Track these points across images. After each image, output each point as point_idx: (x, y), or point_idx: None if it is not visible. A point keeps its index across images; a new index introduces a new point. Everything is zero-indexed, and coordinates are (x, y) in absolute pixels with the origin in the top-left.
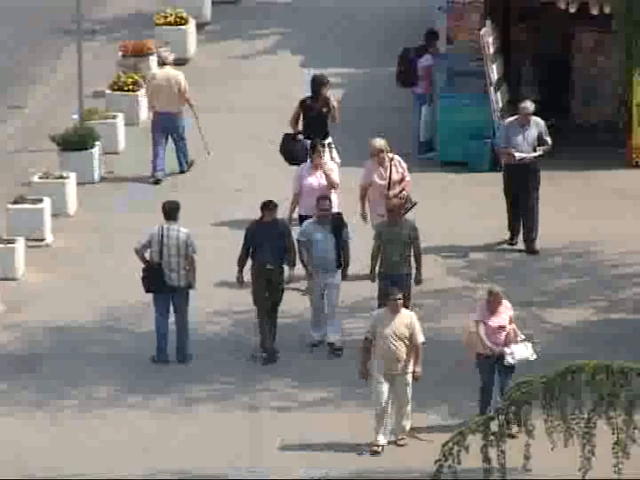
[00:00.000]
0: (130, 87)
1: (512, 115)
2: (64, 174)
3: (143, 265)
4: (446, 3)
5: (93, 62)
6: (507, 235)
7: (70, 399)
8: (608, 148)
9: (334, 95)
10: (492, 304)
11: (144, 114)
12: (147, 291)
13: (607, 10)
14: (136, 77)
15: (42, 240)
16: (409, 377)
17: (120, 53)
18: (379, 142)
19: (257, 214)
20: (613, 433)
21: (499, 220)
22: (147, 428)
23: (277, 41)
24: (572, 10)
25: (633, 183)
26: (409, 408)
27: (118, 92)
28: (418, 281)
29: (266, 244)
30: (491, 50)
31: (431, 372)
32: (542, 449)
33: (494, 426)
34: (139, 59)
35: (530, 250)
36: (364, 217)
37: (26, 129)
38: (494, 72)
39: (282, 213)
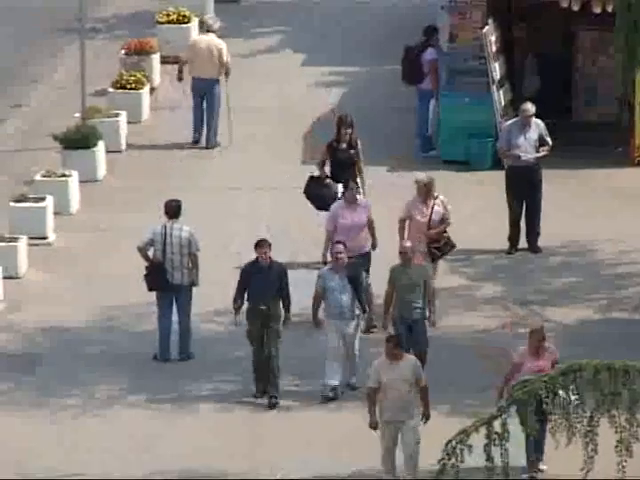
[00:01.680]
0: (133, 85)
1: (515, 113)
2: (66, 172)
3: (146, 263)
4: (448, 1)
5: (95, 60)
6: (507, 241)
7: (71, 398)
8: (608, 147)
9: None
10: (533, 346)
11: (146, 112)
12: (150, 290)
13: (609, 9)
14: (139, 75)
15: (44, 239)
16: (415, 422)
17: (123, 52)
18: (426, 178)
19: (257, 212)
20: (616, 432)
21: (500, 219)
22: (148, 427)
23: (278, 40)
24: (575, 8)
25: (634, 182)
26: (418, 456)
27: (121, 90)
28: (433, 323)
29: (261, 285)
30: (493, 49)
31: (432, 371)
32: (545, 448)
33: (497, 425)
34: (142, 58)
35: (533, 249)
36: (404, 251)
37: (28, 128)
38: (496, 71)
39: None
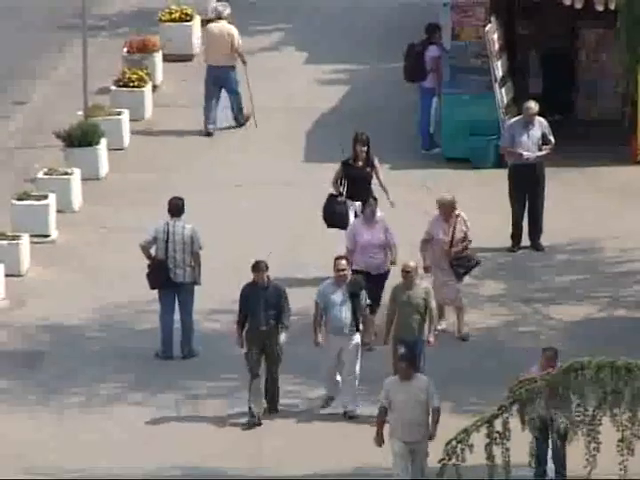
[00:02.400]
0: (135, 83)
1: (517, 111)
2: (69, 170)
3: (148, 261)
4: None
5: (97, 58)
6: (509, 239)
7: (74, 395)
8: (612, 144)
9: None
10: (545, 363)
11: (149, 110)
12: (152, 287)
13: (612, 6)
14: (141, 73)
15: (47, 236)
16: (426, 445)
17: (125, 49)
18: (449, 197)
19: (260, 210)
20: (618, 430)
21: (503, 216)
22: (150, 425)
23: (281, 37)
24: (578, 6)
25: (637, 179)
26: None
27: (123, 88)
28: (428, 341)
29: (260, 307)
30: (496, 46)
31: (433, 369)
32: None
33: (498, 424)
34: (144, 55)
35: (536, 247)
36: (427, 269)
37: (30, 125)
38: (499, 68)
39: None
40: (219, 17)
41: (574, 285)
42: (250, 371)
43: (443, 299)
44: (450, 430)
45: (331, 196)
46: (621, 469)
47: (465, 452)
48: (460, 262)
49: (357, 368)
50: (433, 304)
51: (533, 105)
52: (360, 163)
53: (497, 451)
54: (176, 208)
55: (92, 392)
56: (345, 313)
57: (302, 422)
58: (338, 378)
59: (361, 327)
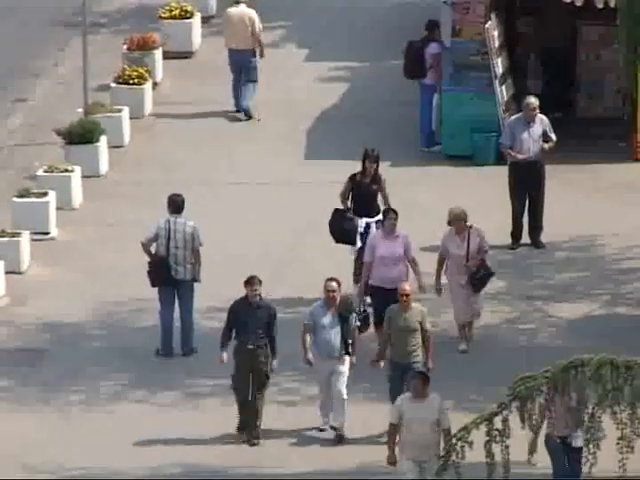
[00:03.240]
0: (135, 81)
1: (517, 108)
2: (69, 167)
3: (149, 259)
4: None
5: (97, 55)
6: (510, 236)
7: (74, 393)
8: (612, 142)
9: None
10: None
11: (149, 107)
12: (153, 285)
13: (612, 4)
14: (141, 71)
15: (47, 234)
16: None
17: (125, 47)
18: (458, 210)
19: (261, 207)
20: (617, 428)
21: (504, 214)
22: (151, 422)
23: (282, 35)
24: (578, 4)
25: (637, 177)
26: None
27: (123, 85)
28: (428, 368)
29: (250, 324)
30: (496, 43)
31: (435, 366)
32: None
33: (498, 421)
34: (144, 53)
35: (536, 244)
36: (438, 291)
37: (30, 122)
38: (499, 65)
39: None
40: (237, 1)
41: (574, 282)
42: (236, 393)
43: (470, 316)
44: (451, 428)
45: (337, 211)
46: (620, 466)
47: (465, 449)
48: (476, 273)
49: (344, 393)
50: (428, 326)
51: (533, 100)
52: (368, 180)
53: (497, 449)
54: (177, 205)
55: (93, 390)
56: (334, 336)
57: (305, 418)
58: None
59: (350, 349)
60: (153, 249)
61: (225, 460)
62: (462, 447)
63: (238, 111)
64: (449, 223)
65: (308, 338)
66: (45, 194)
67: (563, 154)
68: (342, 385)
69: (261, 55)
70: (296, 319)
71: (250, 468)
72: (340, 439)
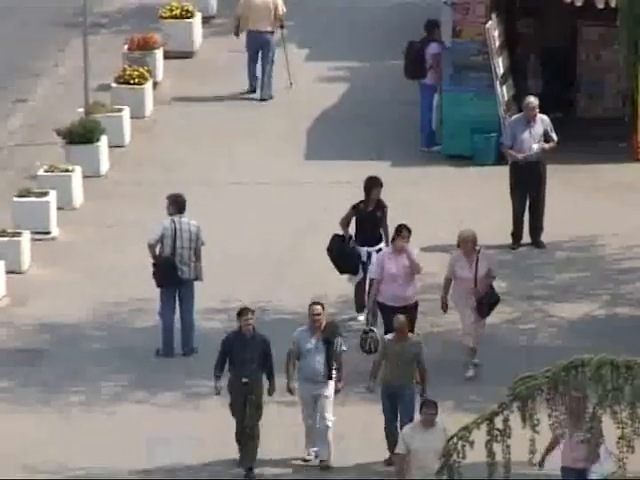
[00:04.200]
0: (136, 80)
1: (518, 109)
2: (70, 167)
3: (153, 260)
4: None
5: (98, 55)
6: (510, 236)
7: (74, 394)
8: (612, 142)
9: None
10: (575, 412)
11: (150, 107)
12: (159, 285)
13: (613, 4)
14: (142, 70)
15: (47, 233)
16: None
17: (126, 47)
18: (469, 232)
19: (262, 207)
20: (618, 427)
21: (504, 214)
22: (152, 423)
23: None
24: (578, 4)
25: (637, 177)
26: None
27: (124, 85)
28: (424, 397)
29: (244, 358)
30: (497, 43)
31: (435, 366)
32: (547, 444)
33: (499, 421)
34: (145, 53)
35: (537, 244)
36: (444, 308)
37: (31, 122)
38: (500, 65)
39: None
40: None
41: (575, 282)
42: (236, 419)
43: (474, 342)
44: (451, 427)
45: (337, 237)
46: (621, 466)
47: (465, 449)
48: (483, 298)
49: (330, 416)
50: (423, 357)
51: (533, 99)
52: (371, 207)
53: (497, 448)
54: (181, 205)
55: (93, 390)
56: (320, 361)
57: (302, 421)
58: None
59: (336, 375)
60: (157, 249)
61: (225, 460)
62: (463, 447)
63: (252, 91)
64: (458, 245)
65: (291, 366)
66: (46, 194)
67: (563, 154)
68: (326, 411)
69: (281, 27)
70: (295, 319)
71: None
72: (326, 468)
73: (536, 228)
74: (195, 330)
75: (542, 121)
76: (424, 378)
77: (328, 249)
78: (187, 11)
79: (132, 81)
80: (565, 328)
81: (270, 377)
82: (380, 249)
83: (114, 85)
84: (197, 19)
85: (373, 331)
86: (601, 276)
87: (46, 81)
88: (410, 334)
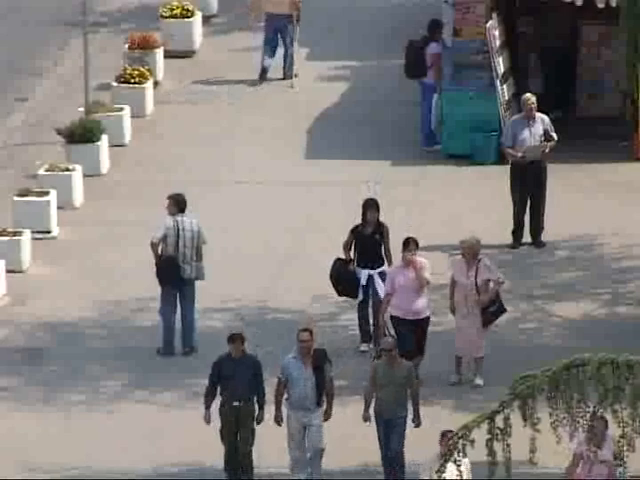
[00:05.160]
0: (136, 80)
1: (518, 108)
2: (70, 166)
3: (155, 259)
4: None
5: (98, 55)
6: (510, 235)
7: (76, 393)
8: (612, 141)
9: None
10: (596, 434)
11: (150, 107)
12: (163, 284)
13: (613, 3)
14: (142, 70)
15: (48, 233)
16: None
17: (126, 46)
18: (473, 240)
19: (261, 206)
20: (618, 426)
21: (504, 213)
22: (153, 422)
23: None
24: (578, 3)
25: (637, 176)
26: None
27: (124, 85)
28: (417, 424)
29: (235, 380)
30: (497, 43)
31: (436, 366)
32: (548, 442)
33: (499, 420)
34: (145, 52)
35: (537, 244)
36: (453, 311)
37: (31, 122)
38: (500, 65)
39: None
40: None
41: (575, 282)
42: (225, 445)
43: (469, 353)
44: (451, 426)
45: (338, 260)
46: (621, 465)
47: (466, 448)
48: (489, 307)
49: (322, 443)
50: (414, 382)
51: (530, 96)
52: (369, 230)
53: (498, 447)
54: (182, 204)
55: (94, 390)
56: (309, 388)
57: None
58: (302, 455)
59: (326, 401)
60: (159, 249)
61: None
62: (463, 445)
63: (263, 72)
64: (463, 255)
65: (280, 396)
66: (46, 193)
67: (563, 153)
68: (317, 437)
69: (298, 20)
70: (294, 320)
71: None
72: None
73: (536, 228)
74: (196, 329)
75: (542, 120)
76: (416, 402)
77: (330, 275)
78: (187, 10)
79: (132, 80)
80: (565, 327)
81: (260, 403)
82: (382, 272)
83: (114, 84)
84: (197, 18)
85: (390, 335)
86: (601, 275)
87: (46, 80)
88: (399, 359)
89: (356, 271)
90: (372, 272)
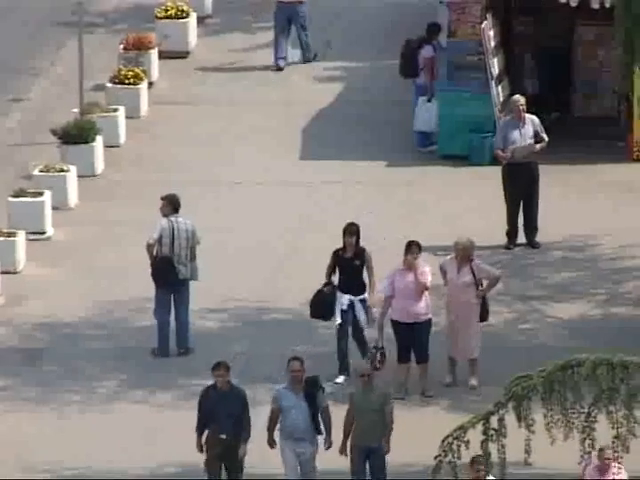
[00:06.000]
0: (131, 80)
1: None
2: (65, 167)
3: (150, 260)
4: None
5: (93, 55)
6: (505, 238)
7: (72, 393)
8: (608, 142)
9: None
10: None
11: (145, 107)
12: (159, 285)
13: (607, 4)
14: (137, 70)
15: (43, 233)
16: None
17: (121, 47)
18: (468, 242)
19: (257, 207)
20: (613, 427)
21: (499, 214)
22: (149, 422)
23: None
24: (573, 4)
25: (633, 177)
26: None
27: (119, 85)
28: (387, 451)
29: (221, 412)
30: (492, 44)
31: (431, 367)
32: (542, 443)
33: (494, 421)
34: (140, 53)
35: (532, 244)
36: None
37: (27, 122)
38: (495, 66)
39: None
40: None
41: (571, 282)
42: (208, 475)
43: (462, 355)
44: (446, 427)
45: (324, 284)
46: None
47: (461, 449)
48: (485, 306)
49: (313, 475)
50: (389, 409)
51: (519, 97)
52: (349, 254)
53: (493, 448)
54: (176, 204)
55: (90, 390)
56: (302, 417)
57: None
58: None
59: (324, 429)
60: (155, 250)
61: None
62: (458, 446)
63: (279, 69)
64: (455, 256)
65: (273, 426)
66: (41, 194)
67: (559, 154)
68: (308, 468)
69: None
70: (293, 320)
71: (249, 468)
72: None
73: (531, 229)
74: (191, 330)
75: (532, 121)
76: (388, 430)
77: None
78: (182, 11)
79: (127, 81)
80: (561, 328)
81: (244, 437)
82: (364, 299)
83: (109, 85)
84: (192, 19)
85: (382, 348)
86: (597, 276)
87: (42, 81)
88: (376, 383)
89: (337, 295)
90: (353, 298)
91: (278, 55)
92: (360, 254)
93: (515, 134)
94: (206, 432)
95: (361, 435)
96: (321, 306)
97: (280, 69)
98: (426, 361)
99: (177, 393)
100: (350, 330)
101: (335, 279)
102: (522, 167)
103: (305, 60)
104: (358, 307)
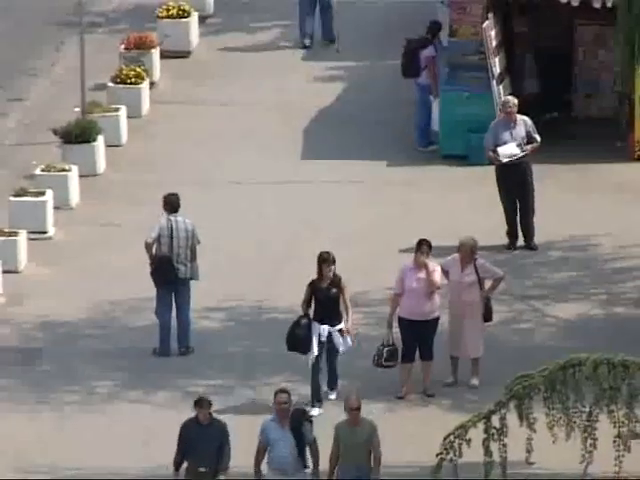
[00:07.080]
0: (132, 80)
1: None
2: (66, 167)
3: (150, 259)
4: None
5: (94, 55)
6: (506, 238)
7: (71, 393)
8: (609, 142)
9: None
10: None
11: (146, 107)
12: (158, 285)
13: (609, 3)
14: (138, 70)
15: (44, 233)
16: None
17: (122, 46)
18: (471, 241)
19: (256, 207)
20: (614, 427)
21: (499, 214)
22: (148, 422)
23: (279, 35)
24: (575, 3)
25: (634, 177)
26: None
27: (120, 85)
28: None
29: (201, 445)
30: (493, 43)
31: (433, 366)
32: (544, 442)
33: (496, 420)
34: (141, 52)
35: (530, 247)
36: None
37: (27, 122)
38: (496, 65)
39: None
40: None
41: (570, 282)
42: None
43: (462, 353)
44: (448, 426)
45: (300, 317)
46: (617, 465)
47: (462, 447)
48: (488, 306)
49: None
50: (377, 440)
51: (510, 99)
52: (326, 284)
53: (494, 447)
54: (177, 203)
55: (88, 390)
56: (288, 450)
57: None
58: None
59: (312, 463)
60: (154, 249)
61: None
62: (460, 445)
63: (304, 47)
64: (459, 255)
65: (261, 459)
66: (42, 193)
67: (559, 154)
68: None
69: None
70: (293, 320)
71: (249, 468)
72: None
73: (527, 231)
74: (191, 329)
75: (524, 122)
76: (377, 464)
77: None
78: (184, 10)
79: (128, 80)
80: (561, 328)
81: (222, 468)
82: (341, 330)
83: (110, 84)
84: (194, 19)
85: (393, 344)
86: (596, 276)
87: (42, 80)
88: (364, 418)
89: (314, 327)
90: (331, 329)
91: (304, 33)
92: (337, 283)
93: (506, 135)
94: (185, 464)
95: (346, 470)
96: (298, 341)
97: (306, 47)
98: (431, 358)
99: (175, 393)
100: (325, 357)
101: (311, 311)
102: (513, 168)
103: (329, 40)
104: (336, 337)
